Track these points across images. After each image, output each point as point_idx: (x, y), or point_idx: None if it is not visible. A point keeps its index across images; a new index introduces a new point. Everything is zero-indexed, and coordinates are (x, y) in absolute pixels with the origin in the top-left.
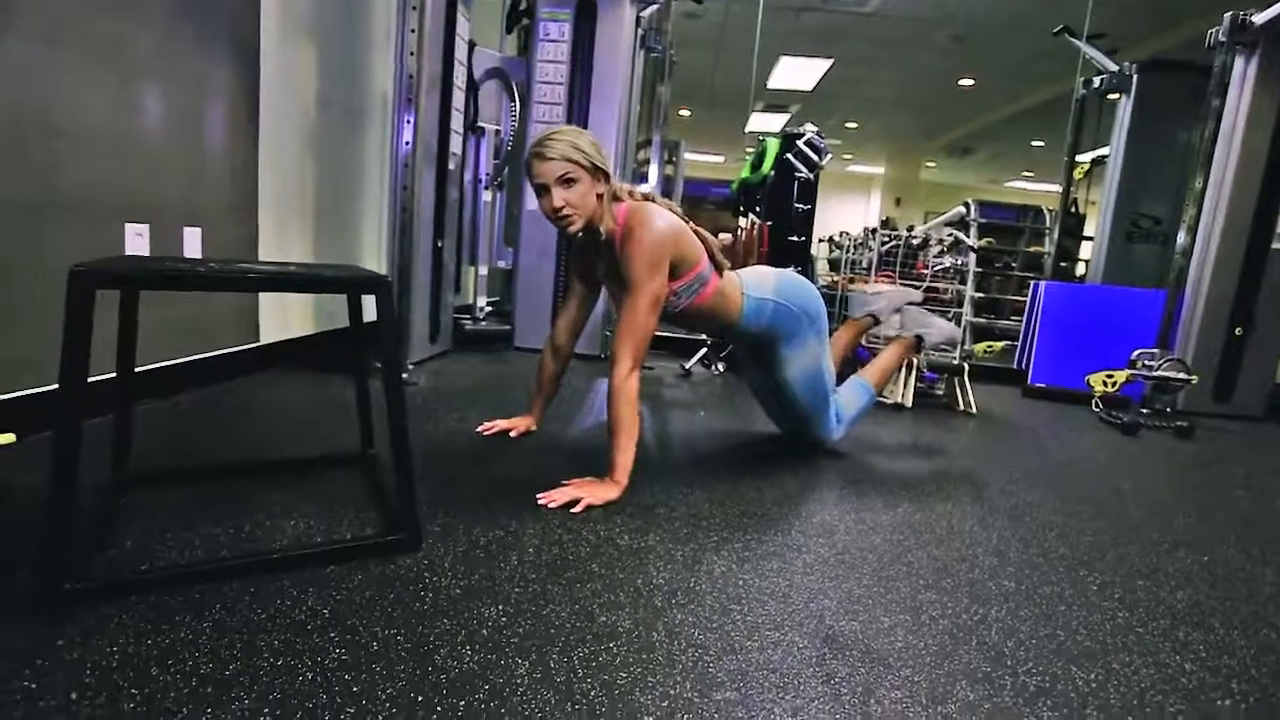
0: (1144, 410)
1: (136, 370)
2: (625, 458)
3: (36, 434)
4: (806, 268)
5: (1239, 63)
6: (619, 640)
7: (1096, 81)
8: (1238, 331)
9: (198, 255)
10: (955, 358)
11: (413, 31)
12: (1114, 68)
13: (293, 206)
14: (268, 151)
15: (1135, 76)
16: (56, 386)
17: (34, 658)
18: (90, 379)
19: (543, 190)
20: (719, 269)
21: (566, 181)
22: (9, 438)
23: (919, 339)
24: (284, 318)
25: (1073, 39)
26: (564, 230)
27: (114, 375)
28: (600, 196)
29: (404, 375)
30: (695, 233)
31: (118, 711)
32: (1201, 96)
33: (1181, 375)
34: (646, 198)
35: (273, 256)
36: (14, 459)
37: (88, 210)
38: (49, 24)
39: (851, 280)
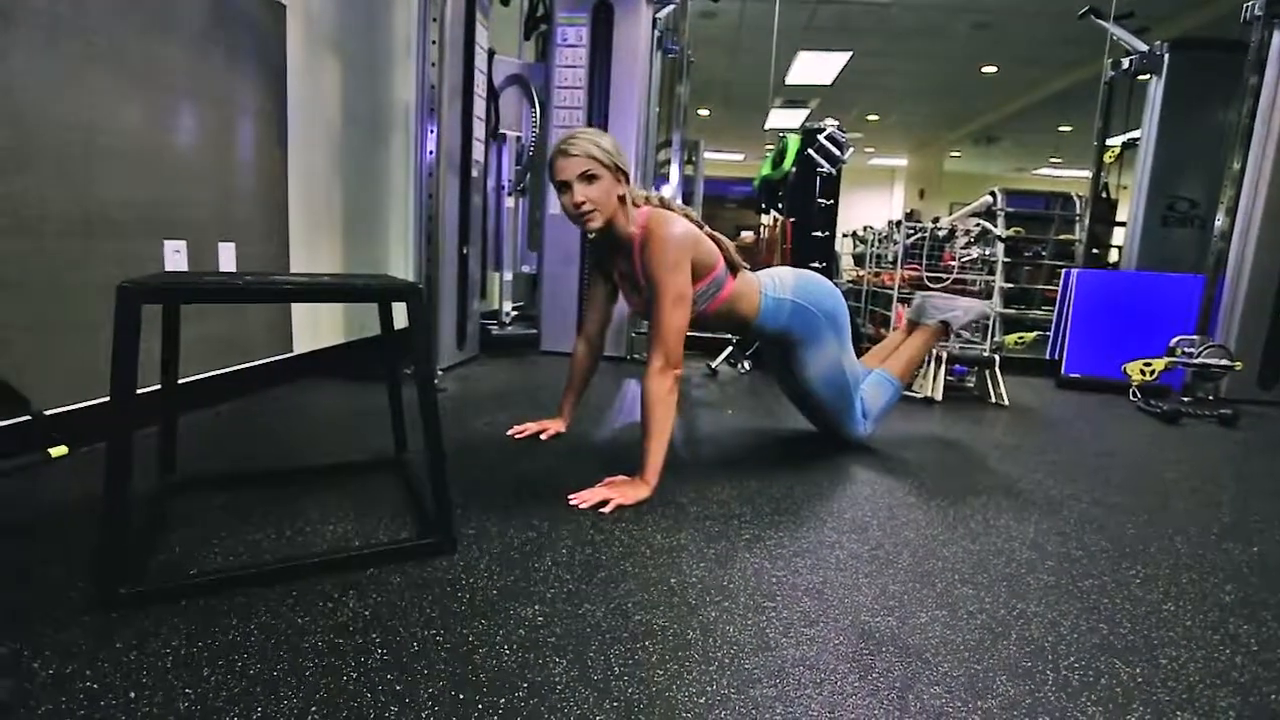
0: (1185, 399)
1: (179, 382)
2: (655, 458)
3: (87, 446)
4: (830, 263)
5: (1277, 37)
6: (654, 638)
7: (1125, 63)
8: None
9: (233, 269)
10: (985, 349)
11: (433, 42)
12: (1144, 48)
13: (321, 218)
14: (296, 165)
15: (1166, 56)
16: (106, 400)
17: (94, 659)
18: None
19: (564, 187)
20: (734, 270)
21: (589, 178)
22: (61, 450)
23: (945, 325)
24: (315, 328)
25: (1099, 20)
26: (585, 227)
27: (159, 387)
28: (621, 199)
29: (434, 381)
30: (711, 236)
31: (174, 710)
32: (1238, 74)
33: (1224, 361)
34: (663, 203)
35: (303, 268)
36: (67, 471)
37: (128, 227)
38: (89, 47)
39: (877, 275)
